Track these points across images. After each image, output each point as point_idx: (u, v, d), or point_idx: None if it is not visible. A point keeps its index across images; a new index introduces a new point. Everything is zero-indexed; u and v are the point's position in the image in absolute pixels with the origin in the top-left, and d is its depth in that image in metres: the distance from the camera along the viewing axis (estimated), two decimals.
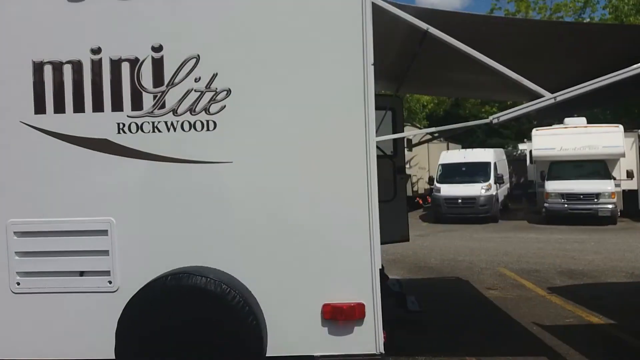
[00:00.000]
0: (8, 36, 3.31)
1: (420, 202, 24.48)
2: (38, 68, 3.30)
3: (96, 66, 3.28)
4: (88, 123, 3.28)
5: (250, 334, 2.93)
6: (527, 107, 3.72)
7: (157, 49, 3.25)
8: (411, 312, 6.83)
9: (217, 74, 3.23)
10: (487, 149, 22.91)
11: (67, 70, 3.29)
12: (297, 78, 3.25)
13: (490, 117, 3.75)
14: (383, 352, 3.23)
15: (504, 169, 22.82)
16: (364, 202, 3.24)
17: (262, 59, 3.25)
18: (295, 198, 3.26)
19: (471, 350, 5.68)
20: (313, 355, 3.21)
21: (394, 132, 7.46)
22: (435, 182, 20.69)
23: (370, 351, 3.21)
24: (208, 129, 3.25)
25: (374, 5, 3.28)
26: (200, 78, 3.24)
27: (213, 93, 3.24)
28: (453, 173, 20.75)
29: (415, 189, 24.19)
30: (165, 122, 3.25)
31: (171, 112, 3.25)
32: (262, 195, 3.25)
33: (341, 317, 3.19)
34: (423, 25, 3.65)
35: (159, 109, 3.26)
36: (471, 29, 4.29)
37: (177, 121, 3.25)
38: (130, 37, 3.27)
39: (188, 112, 3.25)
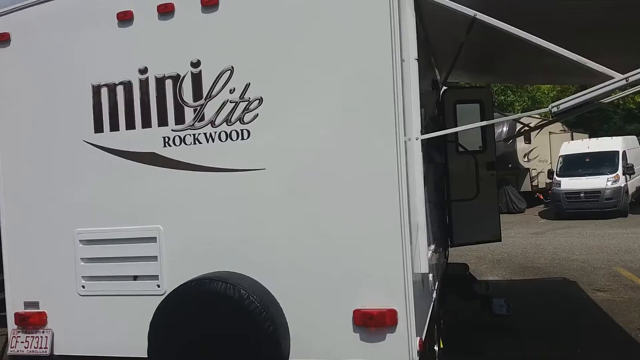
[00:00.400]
0: (70, 62, 3.69)
1: (541, 197, 22.91)
2: (96, 91, 3.63)
3: (144, 85, 3.53)
4: (138, 138, 3.55)
5: (265, 340, 2.97)
6: (593, 90, 3.33)
7: (196, 64, 3.42)
8: (496, 315, 6.47)
9: (249, 83, 3.33)
10: (615, 137, 20.85)
11: (120, 91, 3.58)
12: (324, 80, 3.23)
13: (550, 105, 3.44)
14: None
15: (636, 159, 20.59)
16: (395, 205, 3.14)
17: (290, 64, 3.28)
18: (325, 202, 3.24)
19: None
20: None
21: (483, 126, 7.13)
22: (555, 176, 19.27)
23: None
24: (243, 138, 3.35)
25: None
26: (234, 89, 3.35)
27: (247, 102, 3.33)
28: (575, 165, 19.19)
29: (534, 183, 22.71)
30: (205, 134, 3.41)
31: (210, 124, 3.40)
32: (293, 200, 3.28)
33: (372, 323, 3.12)
34: (470, 11, 3.46)
35: (198, 121, 3.42)
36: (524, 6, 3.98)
37: (215, 132, 3.40)
38: (171, 55, 3.47)
39: (225, 123, 3.38)
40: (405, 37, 3.48)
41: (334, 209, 3.24)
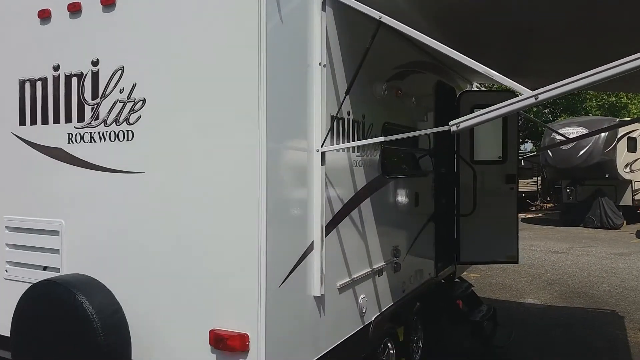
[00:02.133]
0: (2, 57, 3.86)
1: None
2: (22, 85, 3.76)
3: (56, 82, 3.60)
4: (50, 133, 3.63)
5: (92, 349, 2.90)
6: (499, 108, 2.90)
7: (95, 62, 3.42)
8: (489, 345, 5.87)
9: (136, 83, 3.26)
10: None
11: (39, 87, 3.68)
12: (200, 87, 3.08)
13: (450, 123, 3.02)
14: None
15: None
16: (251, 223, 2.90)
17: (172, 68, 3.16)
18: (189, 213, 3.10)
19: None
20: None
21: (504, 134, 6.50)
22: None
23: None
24: (128, 139, 3.30)
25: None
26: (124, 89, 3.31)
27: (132, 103, 3.27)
28: None
29: (638, 197, 20.41)
30: (99, 133, 3.41)
31: (103, 123, 3.39)
32: (162, 208, 3.18)
33: (224, 346, 2.93)
34: (375, 13, 3.13)
35: (95, 120, 3.43)
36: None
37: (107, 131, 3.38)
38: (77, 53, 3.50)
39: (114, 123, 3.35)
40: (309, 42, 3.26)
41: (197, 221, 3.09)
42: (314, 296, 3.35)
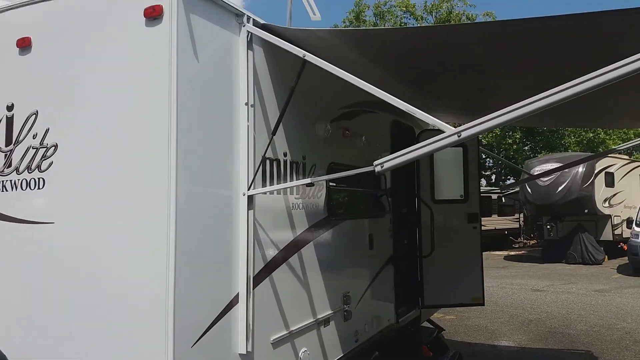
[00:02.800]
0: None
1: (625, 247, 20.44)
2: None
3: None
4: None
5: None
6: (424, 146, 2.78)
7: (10, 107, 3.26)
8: None
9: (49, 129, 3.10)
10: None
11: None
12: (110, 132, 2.92)
13: (374, 164, 2.88)
14: None
15: None
16: (159, 274, 2.69)
17: (83, 113, 3.01)
18: (95, 265, 2.90)
19: None
20: None
21: (465, 172, 6.38)
22: (634, 225, 17.11)
23: None
24: (39, 187, 3.11)
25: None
26: (37, 134, 3.14)
27: (45, 149, 3.10)
28: None
29: (617, 231, 20.37)
30: (10, 181, 3.22)
31: (15, 171, 3.20)
32: (70, 261, 2.97)
33: None
34: (299, 52, 3.03)
35: (7, 167, 3.24)
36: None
37: (19, 179, 3.18)
38: None
39: (26, 170, 3.16)
40: (235, 82, 3.14)
41: (107, 274, 2.88)
42: (239, 354, 3.11)
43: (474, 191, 6.40)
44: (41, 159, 3.10)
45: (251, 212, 3.18)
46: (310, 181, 3.25)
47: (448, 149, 6.58)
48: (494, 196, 24.75)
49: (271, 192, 3.49)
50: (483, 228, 23.90)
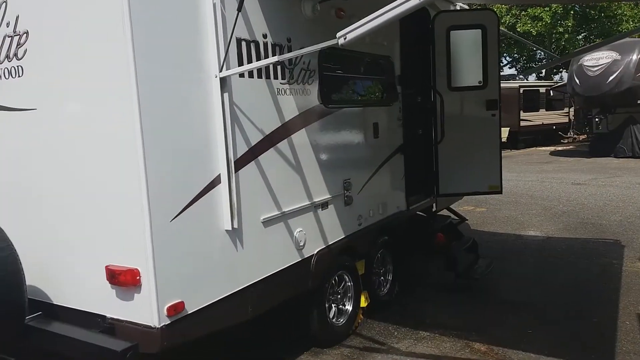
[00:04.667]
0: None
1: None
2: None
3: None
4: None
5: None
6: (385, 12, 2.60)
7: None
8: (465, 277, 5.68)
9: (19, 15, 3.09)
10: None
11: None
12: (74, 14, 2.88)
13: (338, 35, 2.74)
14: (162, 324, 2.81)
15: None
16: (131, 154, 2.74)
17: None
18: (75, 149, 2.98)
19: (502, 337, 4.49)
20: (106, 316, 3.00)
21: (484, 55, 6.04)
22: None
23: (147, 322, 2.82)
24: (19, 75, 3.16)
25: None
26: (9, 22, 3.14)
27: (18, 36, 3.11)
28: None
29: None
30: None
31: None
32: (54, 146, 3.07)
33: (117, 282, 2.87)
34: None
35: None
36: None
37: (1, 69, 3.25)
38: None
39: (6, 60, 3.21)
40: None
41: (86, 156, 2.97)
42: (225, 230, 3.22)
43: (493, 77, 6.08)
44: (16, 47, 3.13)
45: (226, 95, 3.14)
46: (277, 59, 3.13)
47: (466, 32, 6.25)
48: (542, 89, 23.62)
49: (251, 76, 3.43)
50: (529, 123, 23.23)
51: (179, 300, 2.91)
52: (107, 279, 2.92)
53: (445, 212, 7.02)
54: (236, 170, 3.28)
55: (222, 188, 3.19)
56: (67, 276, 3.18)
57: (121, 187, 2.83)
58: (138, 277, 2.81)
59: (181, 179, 2.95)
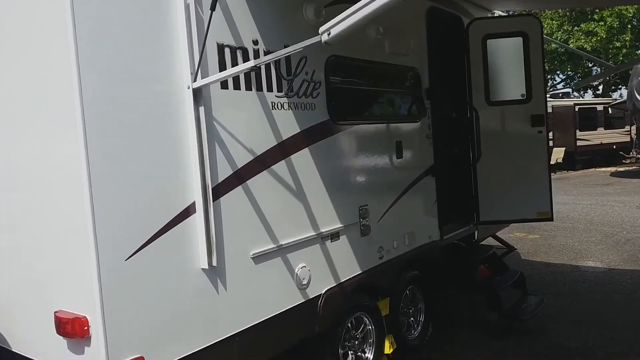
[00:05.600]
0: None
1: None
2: None
3: None
4: None
5: None
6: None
7: None
8: (510, 317, 4.93)
9: None
10: None
11: None
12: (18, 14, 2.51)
13: (321, 30, 2.22)
14: None
15: None
16: (77, 185, 2.29)
17: None
18: (25, 183, 2.61)
19: None
20: None
21: (527, 65, 5.39)
22: None
23: None
24: None
25: None
26: None
27: None
28: None
29: None
30: None
31: None
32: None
33: (64, 332, 2.40)
34: None
35: None
36: None
37: None
38: None
39: None
40: None
41: (32, 187, 2.61)
42: (201, 269, 2.72)
43: (538, 89, 5.40)
44: None
45: (202, 109, 2.67)
46: (254, 64, 2.61)
47: (505, 41, 5.61)
48: (599, 107, 22.23)
49: (237, 88, 2.95)
50: (587, 143, 22.00)
51: (138, 356, 2.40)
52: (55, 329, 2.45)
53: (491, 239, 6.32)
54: (217, 197, 2.79)
55: (197, 218, 2.69)
56: (22, 320, 2.76)
57: (67, 221, 2.39)
58: (86, 328, 2.33)
59: (140, 209, 2.46)
